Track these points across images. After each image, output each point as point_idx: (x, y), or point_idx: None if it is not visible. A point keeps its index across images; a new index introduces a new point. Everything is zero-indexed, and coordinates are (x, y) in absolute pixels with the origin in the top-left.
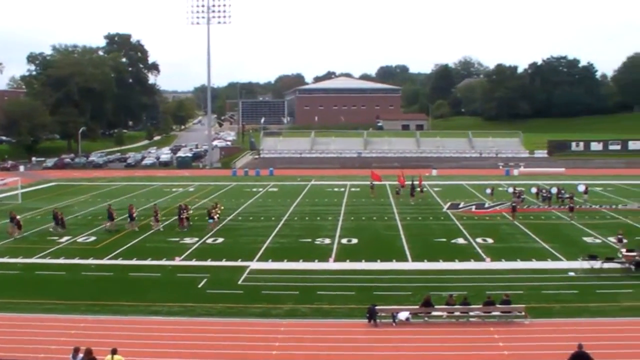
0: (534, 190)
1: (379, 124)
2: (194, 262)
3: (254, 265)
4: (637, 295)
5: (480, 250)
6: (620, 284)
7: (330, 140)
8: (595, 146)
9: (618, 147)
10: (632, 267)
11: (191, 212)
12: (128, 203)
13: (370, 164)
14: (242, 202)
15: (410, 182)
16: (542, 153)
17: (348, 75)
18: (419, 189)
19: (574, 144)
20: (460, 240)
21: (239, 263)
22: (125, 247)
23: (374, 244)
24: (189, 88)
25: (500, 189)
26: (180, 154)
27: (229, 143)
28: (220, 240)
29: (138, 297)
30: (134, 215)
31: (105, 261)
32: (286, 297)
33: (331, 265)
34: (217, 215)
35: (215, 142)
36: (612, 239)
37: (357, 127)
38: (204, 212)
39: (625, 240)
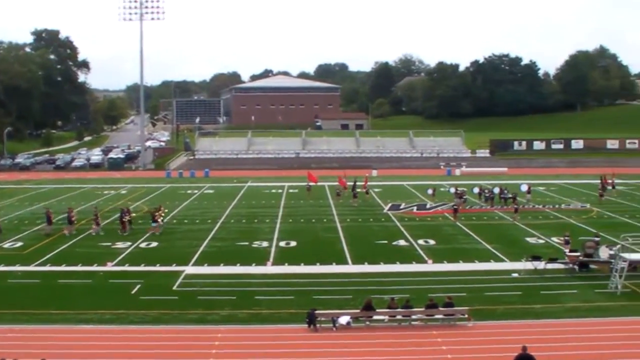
0: (476, 190)
1: (318, 124)
2: (127, 268)
3: (190, 269)
4: (581, 295)
5: (422, 252)
6: (564, 285)
7: (267, 141)
8: (538, 145)
9: (561, 146)
10: (576, 267)
11: (134, 215)
12: (67, 206)
13: (309, 165)
14: (177, 205)
15: (352, 183)
16: (484, 152)
17: (286, 73)
18: (364, 191)
19: (516, 143)
20: (402, 242)
21: (173, 268)
22: (54, 252)
23: (313, 247)
24: (121, 87)
25: (442, 189)
26: (112, 155)
27: (162, 144)
28: (154, 244)
29: (68, 304)
30: (73, 219)
31: (32, 268)
32: (223, 302)
33: (269, 269)
34: (161, 219)
35: (148, 143)
36: (556, 239)
37: (295, 126)
38: (139, 215)
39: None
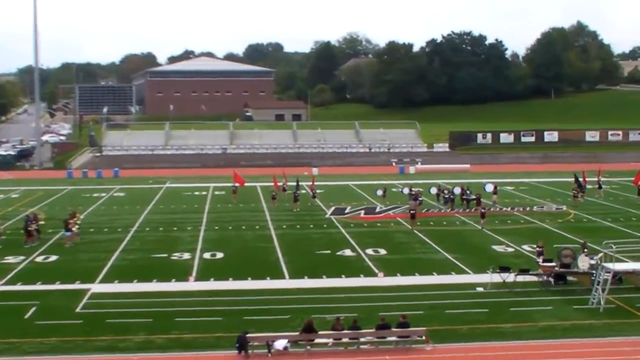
0: (433, 191)
1: (248, 114)
2: (19, 287)
3: (96, 288)
4: (557, 312)
5: (371, 264)
6: (537, 300)
7: (188, 134)
8: (506, 138)
9: (532, 139)
10: (551, 279)
11: (42, 222)
12: None
13: (237, 162)
14: (81, 211)
15: (295, 184)
16: (442, 147)
17: (210, 55)
18: (311, 194)
19: (480, 135)
20: (348, 252)
21: (77, 286)
22: None
23: (244, 259)
24: (12, 69)
25: (394, 189)
26: (1, 151)
27: (62, 138)
28: (53, 258)
29: None
30: None
31: None
32: (137, 326)
33: (192, 285)
34: (77, 227)
35: (45, 137)
36: (527, 248)
37: (221, 117)
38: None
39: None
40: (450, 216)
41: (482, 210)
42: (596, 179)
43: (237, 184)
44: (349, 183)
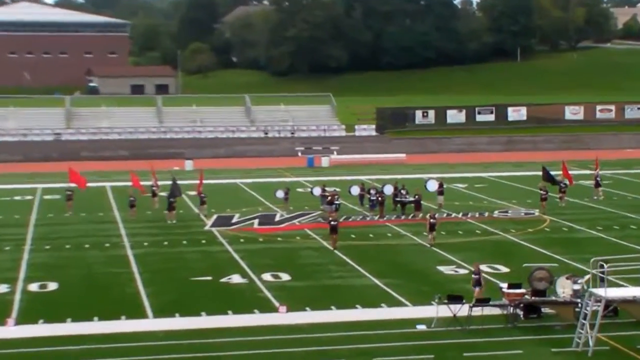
0: (355, 191)
1: (92, 85)
2: None
3: None
4: (529, 358)
5: (269, 294)
6: (501, 342)
7: (6, 113)
8: (455, 116)
9: (491, 118)
10: (520, 312)
11: None
12: None
13: (77, 154)
14: None
15: (172, 184)
16: (368, 129)
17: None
18: (199, 197)
19: (419, 113)
20: (236, 278)
21: None
22: None
23: (88, 291)
24: None
25: (301, 190)
26: None
27: None
28: None
29: None
30: None
31: None
32: None
33: (10, 332)
34: None
35: None
36: (486, 268)
37: (53, 90)
38: None
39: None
40: (379, 226)
41: (432, 221)
42: (592, 172)
43: (73, 186)
44: (237, 181)
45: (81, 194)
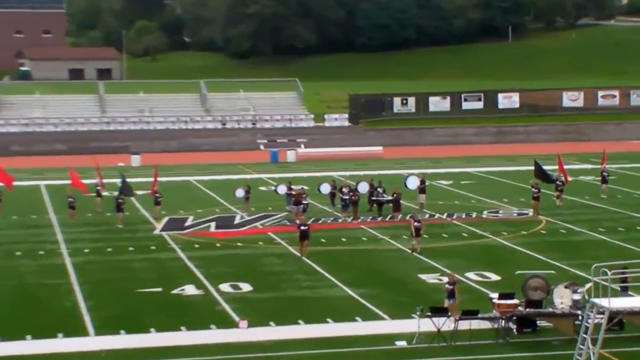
0: (325, 189)
1: (24, 69)
2: None
3: None
4: None
5: (228, 307)
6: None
7: None
8: (438, 104)
9: (479, 105)
10: (512, 326)
11: None
12: None
13: (6, 148)
14: None
15: (120, 182)
16: (340, 119)
17: None
18: (154, 195)
19: (397, 100)
20: (190, 289)
21: None
22: None
23: (19, 305)
24: None
25: (263, 188)
26: None
27: None
28: None
29: None
30: None
31: None
32: None
33: None
34: None
35: None
36: (474, 276)
37: None
38: None
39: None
40: (352, 229)
41: (416, 224)
42: (596, 167)
43: (1, 185)
44: (190, 179)
45: (12, 195)
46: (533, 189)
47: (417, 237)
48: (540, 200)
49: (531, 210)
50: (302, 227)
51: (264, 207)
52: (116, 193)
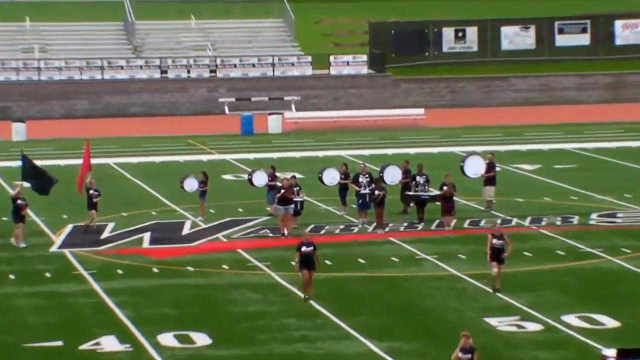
0: (332, 178)
1: None
2: None
3: None
4: None
5: None
6: None
7: None
8: (516, 38)
9: (583, 40)
10: None
11: None
12: None
13: None
14: None
15: (24, 165)
16: (353, 62)
17: None
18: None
19: (448, 32)
20: (110, 343)
21: None
22: None
23: None
24: None
25: (229, 177)
26: None
27: None
28: None
29: None
30: None
31: None
32: None
33: None
34: None
35: None
36: (576, 320)
37: None
38: None
39: None
40: (376, 242)
41: (496, 242)
42: None
43: None
44: (109, 162)
45: None
46: None
47: (499, 264)
48: None
49: None
50: (305, 249)
51: (230, 207)
52: (16, 189)
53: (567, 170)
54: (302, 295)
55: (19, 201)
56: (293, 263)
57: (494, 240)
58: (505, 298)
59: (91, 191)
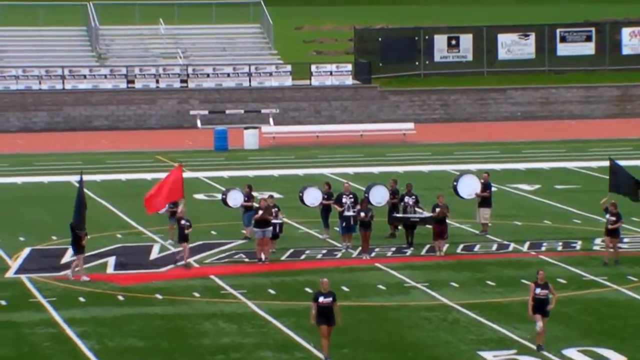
0: (314, 198)
1: None
2: None
3: None
4: None
5: None
6: None
7: None
8: (514, 47)
9: (587, 50)
10: None
11: None
12: None
13: None
14: None
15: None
16: (337, 72)
17: None
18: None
19: (440, 40)
20: None
21: None
22: None
23: None
24: None
25: (201, 196)
26: None
27: None
28: None
29: None
30: None
31: None
32: None
33: None
34: None
35: None
36: (579, 356)
37: None
38: None
39: None
40: (360, 268)
41: (538, 293)
42: None
43: None
44: (69, 179)
45: None
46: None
47: (544, 317)
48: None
49: None
50: (323, 300)
51: (202, 230)
52: None
53: (570, 191)
54: (321, 356)
55: None
56: (311, 320)
57: (537, 290)
58: (500, 329)
59: (182, 221)
